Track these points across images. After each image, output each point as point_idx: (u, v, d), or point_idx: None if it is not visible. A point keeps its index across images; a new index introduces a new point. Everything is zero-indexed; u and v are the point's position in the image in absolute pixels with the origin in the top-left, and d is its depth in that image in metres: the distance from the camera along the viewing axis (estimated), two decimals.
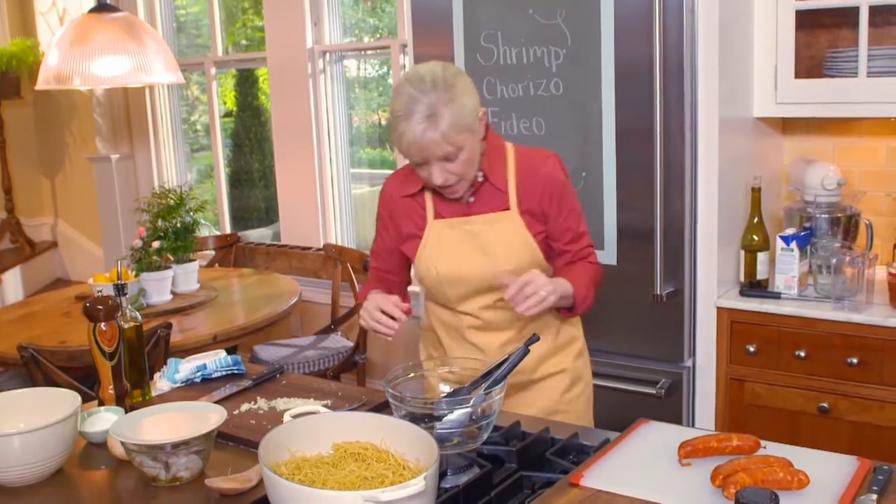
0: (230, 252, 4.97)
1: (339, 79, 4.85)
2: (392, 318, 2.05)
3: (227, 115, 5.85)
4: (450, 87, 1.98)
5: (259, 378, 2.28)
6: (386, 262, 2.34)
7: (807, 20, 3.05)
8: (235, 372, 2.34)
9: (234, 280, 4.38)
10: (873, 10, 2.88)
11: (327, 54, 4.78)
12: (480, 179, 2.13)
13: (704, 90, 2.77)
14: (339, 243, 4.86)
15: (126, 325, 2.15)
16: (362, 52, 4.86)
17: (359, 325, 4.13)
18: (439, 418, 1.69)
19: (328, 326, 4.45)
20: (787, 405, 2.81)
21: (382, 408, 2.01)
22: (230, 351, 4.35)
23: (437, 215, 2.19)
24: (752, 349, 2.85)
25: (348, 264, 4.33)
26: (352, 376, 4.21)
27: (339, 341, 4.28)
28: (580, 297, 2.12)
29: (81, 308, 2.12)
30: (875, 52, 2.90)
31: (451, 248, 2.16)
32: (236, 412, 2.07)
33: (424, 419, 1.69)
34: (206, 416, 1.83)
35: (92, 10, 4.04)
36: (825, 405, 2.75)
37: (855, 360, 2.69)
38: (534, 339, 1.79)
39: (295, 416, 1.82)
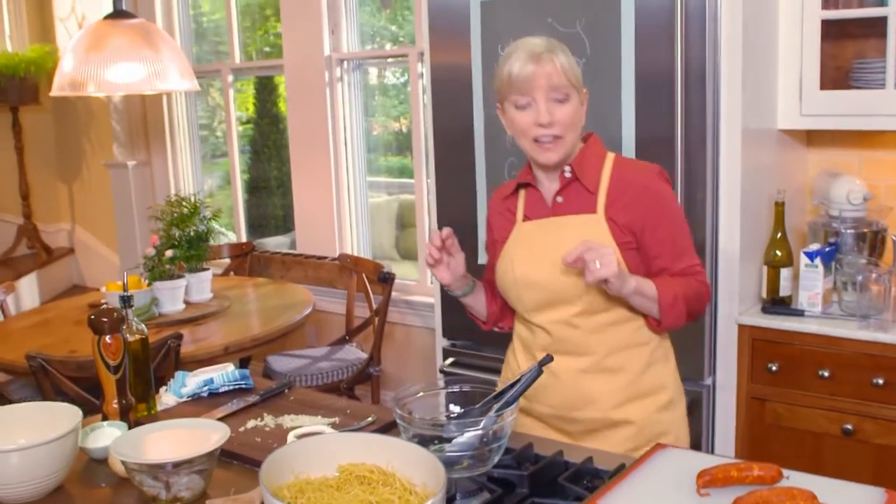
0: (245, 261, 4.93)
1: (357, 87, 4.81)
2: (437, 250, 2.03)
3: (248, 121, 5.83)
4: (562, 45, 1.98)
5: (267, 393, 2.22)
6: (488, 278, 2.24)
7: (833, 30, 2.98)
8: (243, 386, 2.29)
9: (248, 289, 4.33)
10: None
11: (345, 62, 4.74)
12: (568, 175, 2.02)
13: (727, 100, 2.70)
14: (355, 253, 4.81)
15: (131, 338, 2.10)
16: (383, 60, 4.81)
17: (374, 337, 4.11)
18: (449, 440, 1.63)
19: (343, 337, 4.40)
20: (810, 426, 2.73)
21: (392, 426, 1.95)
22: (243, 362, 4.36)
23: (526, 217, 2.10)
24: (774, 368, 2.77)
25: (363, 275, 4.28)
26: (366, 388, 4.16)
27: (354, 353, 4.23)
28: (666, 303, 1.94)
29: (86, 320, 2.07)
30: None
31: (530, 250, 2.04)
32: (242, 429, 2.01)
33: (434, 441, 1.64)
34: (210, 433, 1.78)
35: (108, 17, 4.01)
36: (849, 427, 2.67)
37: (881, 381, 2.61)
38: (547, 359, 1.72)
39: (300, 437, 1.77)
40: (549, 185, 2.06)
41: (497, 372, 3.09)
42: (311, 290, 4.36)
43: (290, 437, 1.80)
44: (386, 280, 4.00)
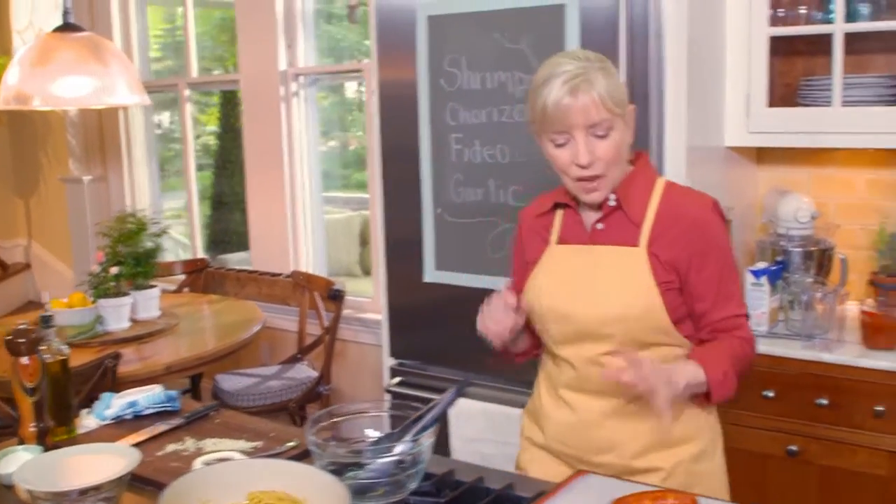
0: (199, 277, 4.86)
1: (313, 102, 4.76)
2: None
3: (211, 135, 5.78)
4: (602, 60, 1.78)
5: (192, 416, 2.16)
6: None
7: (781, 47, 2.96)
8: (169, 409, 2.22)
9: (198, 307, 4.26)
10: (849, 38, 2.79)
11: (301, 77, 4.69)
12: (612, 204, 1.85)
13: (672, 117, 2.66)
14: (310, 270, 4.75)
15: (51, 360, 2.03)
16: (344, 74, 4.76)
17: (325, 355, 4.04)
18: (364, 466, 1.58)
19: (294, 356, 4.33)
20: (756, 447, 2.69)
21: None
22: (194, 381, 4.28)
23: (561, 240, 1.93)
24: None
25: (315, 292, 4.21)
26: (316, 407, 4.09)
27: (305, 371, 4.17)
28: (715, 381, 1.74)
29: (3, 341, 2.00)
30: (851, 80, 2.81)
31: (563, 278, 1.88)
32: (160, 453, 1.95)
33: (349, 467, 1.58)
34: (121, 459, 1.72)
35: (56, 30, 3.93)
36: (794, 448, 2.63)
37: (825, 402, 2.57)
38: (466, 382, 1.67)
39: (207, 463, 1.70)
40: (589, 209, 1.90)
41: (444, 391, 3.05)
42: (265, 308, 4.30)
43: (197, 463, 1.74)
44: (336, 297, 3.95)
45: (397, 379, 3.24)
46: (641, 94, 2.64)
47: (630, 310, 1.79)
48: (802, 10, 2.91)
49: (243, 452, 1.90)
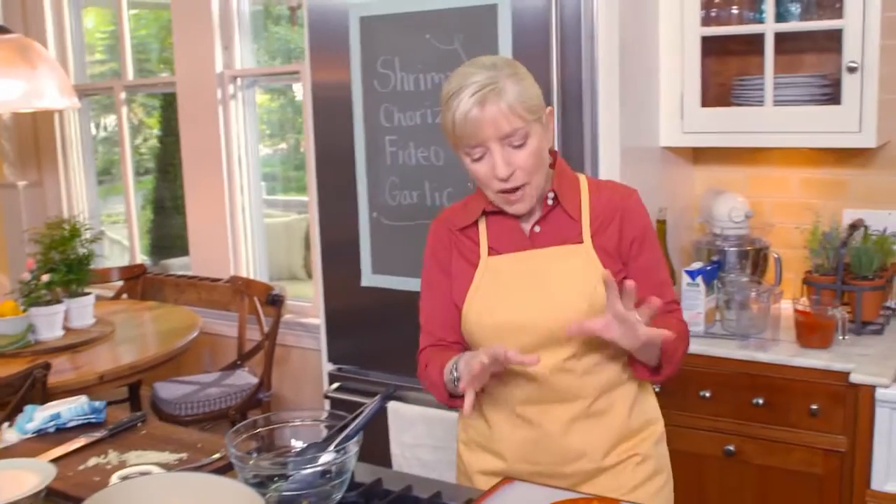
0: (137, 283, 4.77)
1: (252, 104, 4.69)
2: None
3: (149, 139, 5.69)
4: (511, 66, 1.71)
5: (116, 427, 2.10)
6: (440, 321, 1.90)
7: (714, 47, 2.97)
8: (93, 420, 2.16)
9: (135, 314, 4.18)
10: (780, 38, 2.80)
11: (238, 79, 4.62)
12: (551, 202, 1.80)
13: (605, 118, 2.65)
14: (251, 275, 4.69)
15: None
16: (291, 76, 4.70)
17: (265, 361, 3.99)
18: (288, 478, 1.54)
19: (234, 362, 4.27)
20: (693, 448, 2.68)
21: None
22: (133, 390, 4.20)
23: (492, 251, 1.83)
24: (656, 388, 2.72)
25: (255, 297, 4.15)
26: (257, 414, 4.02)
27: (245, 377, 4.11)
28: (668, 350, 1.73)
29: None
30: (782, 80, 2.82)
31: (511, 289, 1.78)
32: (82, 467, 1.89)
33: (273, 479, 1.54)
34: (36, 474, 1.66)
35: None
36: (731, 448, 2.64)
37: (761, 401, 2.58)
38: (391, 390, 1.64)
39: (124, 478, 1.66)
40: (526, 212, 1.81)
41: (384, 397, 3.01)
42: (205, 314, 4.24)
43: (114, 478, 1.69)
44: (275, 302, 3.90)
45: (336, 384, 3.20)
46: (574, 95, 2.63)
47: (593, 307, 1.72)
48: (734, 11, 2.92)
49: (166, 465, 1.85)
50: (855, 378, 2.42)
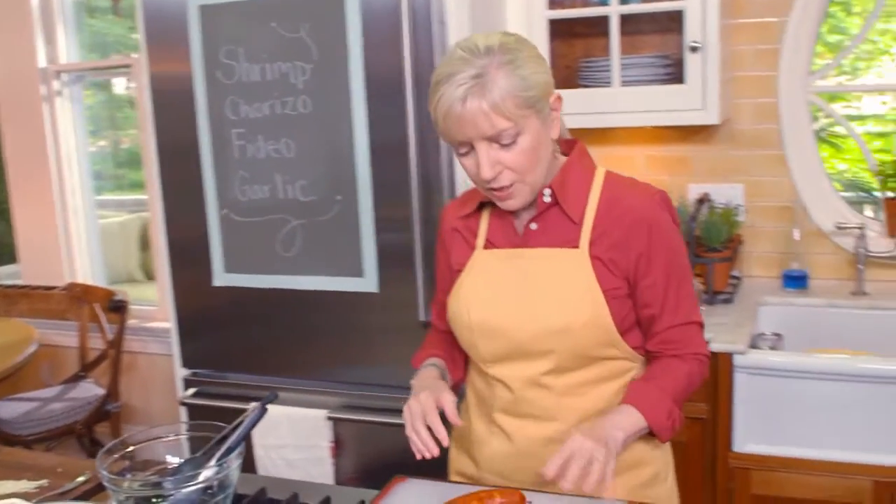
0: None
1: (79, 100, 4.45)
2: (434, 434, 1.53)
3: None
4: (510, 51, 1.51)
5: None
6: (439, 308, 1.84)
7: (561, 29, 3.00)
8: None
9: None
10: (624, 19, 2.86)
11: (63, 74, 4.36)
12: (548, 200, 1.64)
13: None
14: (89, 280, 4.45)
15: None
16: (112, 70, 4.47)
17: (111, 370, 3.79)
18: (167, 498, 1.44)
19: (77, 374, 4.04)
20: None
21: None
22: None
23: (488, 244, 1.70)
24: None
25: (95, 304, 3.94)
26: (106, 427, 3.83)
27: (90, 389, 3.89)
28: (658, 425, 1.56)
29: None
30: (628, 61, 2.88)
31: (494, 288, 1.65)
32: None
33: (151, 500, 1.44)
34: None
35: None
36: None
37: None
38: (270, 396, 1.56)
39: None
40: (521, 208, 1.67)
41: (244, 399, 2.91)
42: (41, 325, 4.00)
43: None
44: (118, 308, 3.71)
45: (192, 390, 3.07)
46: (428, 80, 2.58)
47: (573, 322, 1.58)
48: None
49: (26, 496, 1.71)
50: (714, 347, 2.50)
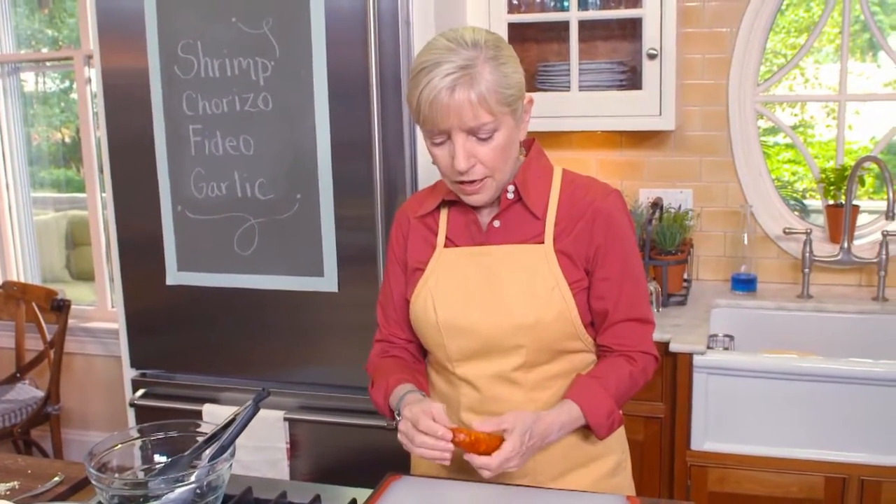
0: None
1: (15, 94, 4.32)
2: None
3: None
4: (495, 47, 1.53)
5: None
6: (393, 317, 1.80)
7: (519, 33, 3.02)
8: None
9: None
10: (582, 25, 2.90)
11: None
12: (511, 196, 1.65)
13: None
14: (23, 278, 4.32)
15: None
16: (40, 64, 4.35)
17: (50, 372, 3.69)
18: (157, 498, 1.42)
19: (13, 375, 3.92)
20: None
21: (86, 484, 1.69)
22: None
23: (449, 242, 1.70)
24: None
25: (33, 303, 3.84)
26: (45, 430, 3.73)
27: (28, 391, 3.79)
28: (597, 424, 1.59)
29: None
30: (585, 66, 2.92)
31: (459, 286, 1.65)
32: None
33: (139, 500, 1.41)
34: None
35: None
36: None
37: None
38: (263, 394, 1.55)
39: None
40: (484, 205, 1.68)
41: (196, 400, 2.86)
42: None
43: None
44: (60, 308, 3.61)
45: (141, 391, 3.00)
46: (392, 79, 2.59)
47: (543, 316, 1.60)
48: None
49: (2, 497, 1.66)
50: (674, 347, 2.54)
